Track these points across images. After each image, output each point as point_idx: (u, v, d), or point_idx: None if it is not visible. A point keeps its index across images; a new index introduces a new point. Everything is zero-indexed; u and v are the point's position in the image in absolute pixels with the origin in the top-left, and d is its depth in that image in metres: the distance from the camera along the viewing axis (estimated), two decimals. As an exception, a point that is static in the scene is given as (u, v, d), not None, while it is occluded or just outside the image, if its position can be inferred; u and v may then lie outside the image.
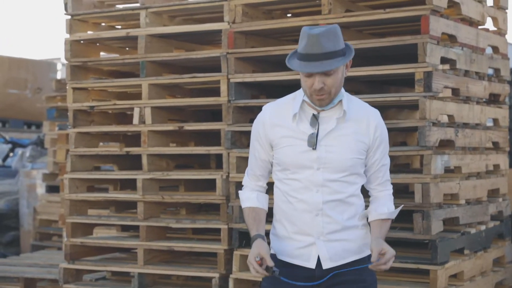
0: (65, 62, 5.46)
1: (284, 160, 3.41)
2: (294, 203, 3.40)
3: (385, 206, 3.46)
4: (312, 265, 3.39)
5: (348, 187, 3.39)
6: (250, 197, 3.54)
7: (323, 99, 3.32)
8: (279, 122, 3.42)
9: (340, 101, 3.36)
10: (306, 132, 3.37)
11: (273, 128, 3.42)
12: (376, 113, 3.45)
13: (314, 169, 3.36)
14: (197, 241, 5.06)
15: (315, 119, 3.36)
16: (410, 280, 4.48)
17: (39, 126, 11.90)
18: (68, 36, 5.42)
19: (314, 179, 3.36)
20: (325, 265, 3.37)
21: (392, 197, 3.51)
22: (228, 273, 4.77)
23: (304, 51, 3.28)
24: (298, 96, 3.44)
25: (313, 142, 3.35)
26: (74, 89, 5.41)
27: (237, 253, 4.71)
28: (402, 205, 3.57)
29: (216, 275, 4.79)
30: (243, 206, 3.56)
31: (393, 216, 3.47)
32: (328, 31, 3.28)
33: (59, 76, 13.71)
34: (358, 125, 3.38)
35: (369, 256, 3.34)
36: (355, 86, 4.88)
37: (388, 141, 3.49)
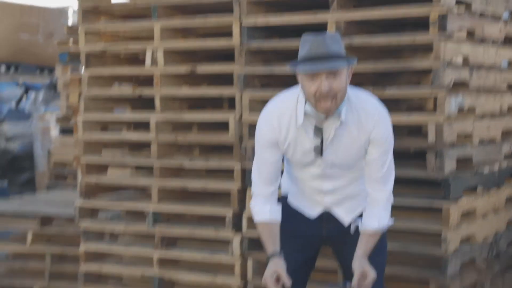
0: (77, 9, 5.46)
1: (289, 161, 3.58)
2: (301, 186, 3.61)
3: (376, 218, 3.51)
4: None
5: (354, 179, 3.58)
6: (263, 211, 3.57)
7: (329, 107, 3.30)
8: (283, 129, 3.45)
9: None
10: (310, 141, 3.45)
11: (279, 132, 3.46)
12: (380, 113, 3.45)
13: (321, 168, 3.50)
14: (210, 180, 5.11)
15: (318, 131, 3.42)
16: (423, 217, 4.53)
17: (51, 71, 11.91)
18: (79, -20, 5.40)
19: (319, 175, 3.53)
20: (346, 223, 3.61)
21: (389, 202, 3.55)
22: (242, 211, 4.84)
23: (308, 53, 3.26)
24: (300, 101, 3.41)
25: (318, 151, 3.45)
26: (86, 32, 5.41)
27: (250, 193, 4.76)
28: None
29: (230, 213, 4.86)
30: (255, 220, 3.60)
31: (383, 229, 3.54)
32: (332, 36, 3.31)
33: (70, 23, 13.68)
34: (359, 127, 3.41)
35: None
36: (369, 29, 4.85)
37: (391, 142, 3.48)
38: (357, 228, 3.56)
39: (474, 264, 4.59)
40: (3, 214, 6.24)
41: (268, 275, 3.41)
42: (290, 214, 3.65)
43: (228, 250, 4.90)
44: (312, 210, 3.64)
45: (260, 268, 4.77)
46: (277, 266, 3.42)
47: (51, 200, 6.46)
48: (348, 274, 3.55)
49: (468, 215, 4.55)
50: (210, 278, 4.95)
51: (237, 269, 4.84)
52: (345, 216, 3.62)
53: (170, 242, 5.13)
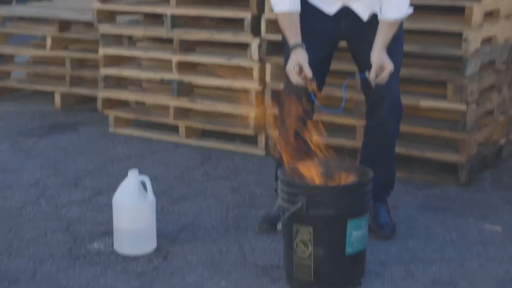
0: None
1: None
2: None
3: (395, 6, 3.44)
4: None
5: None
6: (283, 1, 3.49)
7: None
8: None
9: None
10: None
11: None
12: None
13: None
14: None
15: None
16: (445, 18, 4.47)
17: None
18: None
19: None
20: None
21: None
22: (260, 14, 4.79)
23: None
24: None
25: None
26: None
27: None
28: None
29: (248, 15, 4.81)
30: (275, 10, 3.53)
31: (403, 18, 3.48)
32: None
33: None
34: None
35: None
36: None
37: None
38: (375, 21, 3.52)
39: (493, 66, 4.58)
40: (21, 18, 6.24)
41: (291, 66, 3.43)
42: (308, 11, 3.61)
43: (247, 54, 4.91)
44: (330, 6, 3.59)
45: (279, 72, 4.80)
46: (299, 58, 3.43)
47: (69, 6, 6.41)
48: (364, 71, 3.57)
49: (491, 15, 4.49)
50: (229, 82, 4.99)
51: (255, 73, 4.87)
52: (363, 11, 3.57)
53: (188, 47, 5.13)
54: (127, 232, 3.56)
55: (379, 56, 3.44)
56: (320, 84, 3.65)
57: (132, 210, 3.55)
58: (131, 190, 3.56)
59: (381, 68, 3.44)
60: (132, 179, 3.57)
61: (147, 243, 3.59)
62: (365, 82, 3.59)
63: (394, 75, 3.50)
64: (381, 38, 3.46)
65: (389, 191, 3.83)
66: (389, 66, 3.43)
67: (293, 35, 3.49)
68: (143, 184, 3.58)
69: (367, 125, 3.80)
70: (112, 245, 3.59)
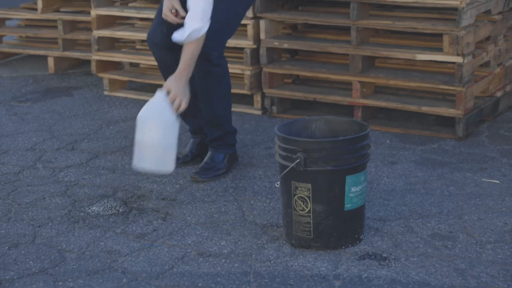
0: None
1: None
2: None
3: (181, 31, 3.65)
4: None
5: None
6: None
7: None
8: None
9: None
10: None
11: None
12: None
13: None
14: None
15: None
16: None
17: None
18: None
19: None
20: None
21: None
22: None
23: None
24: None
25: None
26: None
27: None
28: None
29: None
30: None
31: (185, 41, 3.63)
32: None
33: None
34: None
35: None
36: None
37: None
38: None
39: (489, 17, 4.54)
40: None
41: (167, 9, 3.80)
42: None
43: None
44: None
45: (273, 29, 4.77)
46: (172, 1, 3.80)
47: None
48: None
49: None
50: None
51: (250, 31, 4.81)
52: None
53: (181, 5, 5.08)
54: (150, 147, 3.54)
55: (168, 83, 3.65)
56: None
57: (157, 126, 3.55)
58: (156, 107, 3.59)
59: (172, 97, 3.60)
60: (159, 98, 3.60)
61: (167, 162, 3.57)
62: None
63: (216, 31, 3.73)
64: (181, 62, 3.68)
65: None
66: (178, 96, 3.59)
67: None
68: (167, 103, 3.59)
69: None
70: (111, 208, 3.59)
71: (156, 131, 3.56)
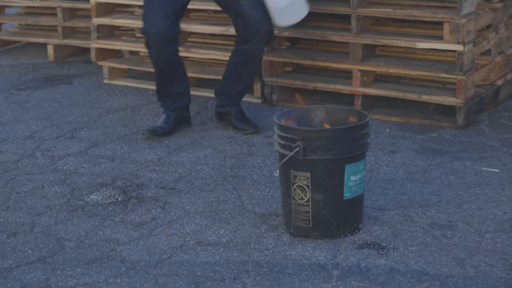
0: None
1: None
2: None
3: None
4: None
5: None
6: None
7: None
8: None
9: None
10: None
11: None
12: None
13: None
14: None
15: None
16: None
17: None
18: None
19: None
20: None
21: None
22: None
23: None
24: None
25: None
26: None
27: None
28: None
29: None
30: None
31: None
32: None
33: None
34: None
35: None
36: None
37: None
38: None
39: (490, 4, 4.52)
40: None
41: None
42: None
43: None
44: None
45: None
46: None
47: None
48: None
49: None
50: (224, 29, 4.92)
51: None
52: None
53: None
54: (285, 6, 4.12)
55: None
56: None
57: None
58: None
59: None
60: None
61: (302, 8, 4.18)
62: (236, 19, 4.17)
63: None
64: None
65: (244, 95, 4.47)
66: None
67: None
68: None
69: (237, 49, 4.29)
70: (110, 196, 3.58)
71: None
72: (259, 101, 4.87)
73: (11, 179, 3.84)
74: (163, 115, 4.38)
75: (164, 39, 4.09)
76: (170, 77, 4.29)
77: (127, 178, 3.81)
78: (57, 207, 3.52)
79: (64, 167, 3.96)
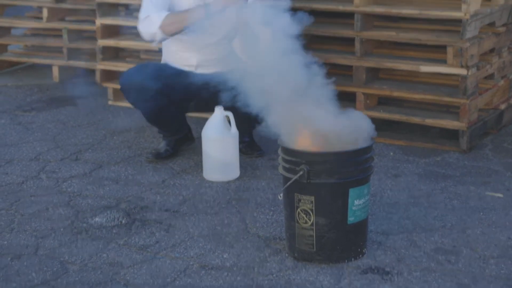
0: None
1: None
2: None
3: None
4: None
5: None
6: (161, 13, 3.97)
7: None
8: None
9: None
10: None
11: None
12: None
13: None
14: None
15: None
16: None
17: None
18: None
19: None
20: None
21: None
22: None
23: None
24: None
25: None
26: None
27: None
28: None
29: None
30: (158, 24, 3.97)
31: None
32: None
33: None
34: None
35: None
36: None
37: None
38: None
39: (493, 28, 4.54)
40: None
41: None
42: None
43: None
44: None
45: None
46: None
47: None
48: None
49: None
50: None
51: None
52: None
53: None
54: (215, 161, 4.05)
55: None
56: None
57: (219, 141, 4.04)
58: (217, 123, 4.06)
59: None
60: (218, 114, 4.05)
61: (232, 171, 4.07)
62: None
63: None
64: None
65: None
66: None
67: (186, 12, 4.00)
68: (227, 119, 4.07)
69: None
70: (114, 219, 3.59)
71: (218, 146, 4.04)
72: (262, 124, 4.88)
73: (16, 201, 3.85)
74: (164, 141, 4.41)
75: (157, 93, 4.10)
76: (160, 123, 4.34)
77: (131, 200, 3.82)
78: (61, 229, 3.53)
79: (69, 189, 3.97)
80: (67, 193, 3.92)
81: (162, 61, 4.36)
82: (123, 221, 3.58)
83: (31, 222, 3.61)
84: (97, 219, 3.61)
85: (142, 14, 4.10)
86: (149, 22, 4.02)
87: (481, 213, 3.57)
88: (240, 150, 4.25)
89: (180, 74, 4.18)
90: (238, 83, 3.30)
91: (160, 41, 4.14)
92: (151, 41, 4.13)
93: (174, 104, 4.15)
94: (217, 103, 4.00)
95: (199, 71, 4.20)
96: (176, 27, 4.00)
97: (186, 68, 4.21)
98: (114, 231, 3.50)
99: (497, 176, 3.99)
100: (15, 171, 4.23)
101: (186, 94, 4.16)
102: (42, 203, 3.81)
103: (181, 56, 4.21)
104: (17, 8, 6.40)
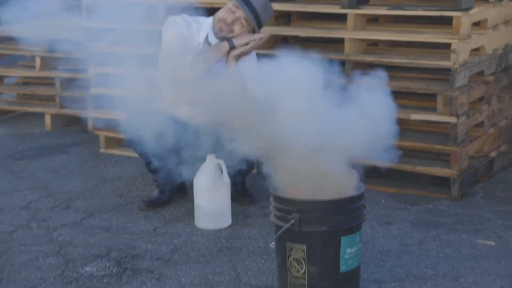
0: None
1: None
2: None
3: None
4: None
5: None
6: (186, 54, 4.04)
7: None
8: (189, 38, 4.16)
9: None
10: None
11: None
12: None
13: None
14: None
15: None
16: (433, 30, 4.50)
17: None
18: None
19: None
20: None
21: None
22: None
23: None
24: (204, 27, 4.21)
25: None
26: None
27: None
28: None
29: None
30: (187, 63, 3.98)
31: None
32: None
33: None
34: None
35: None
36: None
37: None
38: None
39: (482, 77, 4.59)
40: (10, 38, 6.22)
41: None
42: None
43: None
44: None
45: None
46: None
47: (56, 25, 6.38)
48: None
49: (478, 25, 4.51)
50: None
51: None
52: None
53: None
54: (207, 209, 4.04)
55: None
56: None
57: (211, 189, 4.04)
58: (209, 171, 4.06)
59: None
60: (210, 163, 4.06)
61: (224, 219, 4.06)
62: None
63: None
64: None
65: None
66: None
67: (214, 47, 4.14)
68: (219, 167, 4.07)
69: None
70: (105, 268, 3.56)
71: (210, 194, 4.05)
72: (255, 171, 4.88)
73: (6, 250, 3.82)
74: (157, 189, 4.40)
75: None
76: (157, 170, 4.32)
77: (122, 249, 3.80)
78: (51, 279, 3.50)
79: (59, 238, 3.95)
80: (57, 242, 3.90)
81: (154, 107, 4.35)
82: (114, 270, 3.56)
83: (21, 271, 3.58)
84: (87, 268, 3.58)
85: (163, 57, 4.15)
86: (177, 64, 4.02)
87: (474, 262, 3.56)
88: (232, 197, 4.25)
89: (176, 123, 4.18)
90: (230, 132, 3.31)
91: (186, 82, 4.04)
92: (177, 82, 4.07)
93: (171, 153, 4.14)
94: (209, 152, 4.00)
95: (193, 121, 4.20)
96: (205, 66, 4.00)
97: (180, 117, 4.21)
98: (104, 280, 3.47)
99: (489, 224, 3.99)
100: (6, 219, 4.21)
101: (180, 143, 4.16)
102: (33, 252, 3.78)
103: (175, 105, 4.22)
104: (10, 58, 6.43)
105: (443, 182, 4.44)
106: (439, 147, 4.38)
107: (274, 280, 3.38)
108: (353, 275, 3.17)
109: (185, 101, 4.17)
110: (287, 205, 3.13)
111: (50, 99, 6.04)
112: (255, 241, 3.85)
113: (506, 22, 4.79)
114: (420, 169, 4.42)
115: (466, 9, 4.25)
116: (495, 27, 4.64)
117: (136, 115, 4.21)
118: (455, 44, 4.23)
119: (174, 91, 4.13)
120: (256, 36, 4.15)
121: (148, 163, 4.26)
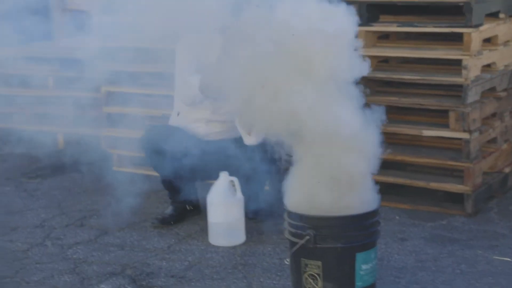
0: None
1: None
2: None
3: None
4: None
5: None
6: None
7: None
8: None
9: None
10: None
11: None
12: None
13: None
14: None
15: None
16: (444, 47, 4.50)
17: None
18: None
19: None
20: None
21: None
22: None
23: None
24: None
25: None
26: None
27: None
28: None
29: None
30: (197, 83, 3.94)
31: None
32: None
33: None
34: None
35: None
36: None
37: None
38: None
39: (494, 93, 4.59)
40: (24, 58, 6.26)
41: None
42: None
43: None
44: None
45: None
46: None
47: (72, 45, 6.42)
48: None
49: (489, 42, 4.52)
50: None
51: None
52: None
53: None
54: (221, 226, 4.06)
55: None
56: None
57: (225, 206, 4.06)
58: (222, 189, 4.08)
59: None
60: (223, 180, 4.08)
61: (238, 236, 4.07)
62: None
63: None
64: None
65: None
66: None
67: None
68: (233, 184, 4.09)
69: None
70: (119, 286, 3.57)
71: (224, 211, 4.07)
72: (267, 188, 4.89)
73: (21, 268, 3.83)
74: (171, 206, 4.41)
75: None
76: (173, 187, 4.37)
77: (136, 266, 3.80)
78: (67, 297, 3.51)
79: (74, 256, 3.96)
80: (72, 260, 3.91)
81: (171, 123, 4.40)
82: (129, 288, 3.57)
83: (36, 289, 3.59)
84: (102, 286, 3.59)
85: (178, 80, 4.20)
86: (188, 86, 4.06)
87: (490, 278, 3.55)
88: (245, 214, 4.25)
89: (190, 140, 4.20)
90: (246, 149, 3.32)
91: (200, 103, 4.13)
92: (191, 104, 4.16)
93: (188, 169, 4.16)
94: (223, 169, 4.02)
95: (208, 138, 4.23)
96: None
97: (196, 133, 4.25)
98: (120, 298, 3.48)
99: (504, 240, 3.97)
100: (20, 238, 4.22)
101: (196, 159, 4.17)
102: (47, 270, 3.79)
103: (191, 123, 4.26)
104: (23, 76, 6.46)
105: (456, 199, 4.43)
106: (452, 163, 4.38)
107: (289, 296, 3.38)
108: (369, 291, 3.17)
109: (201, 118, 4.21)
110: (301, 222, 3.13)
111: (63, 117, 6.07)
112: (269, 257, 3.85)
113: (517, 39, 4.80)
114: (434, 185, 4.42)
115: (476, 26, 4.26)
116: (506, 43, 4.65)
117: (152, 132, 4.24)
118: (466, 60, 4.24)
119: (189, 109, 4.16)
120: None
121: (163, 180, 4.28)
